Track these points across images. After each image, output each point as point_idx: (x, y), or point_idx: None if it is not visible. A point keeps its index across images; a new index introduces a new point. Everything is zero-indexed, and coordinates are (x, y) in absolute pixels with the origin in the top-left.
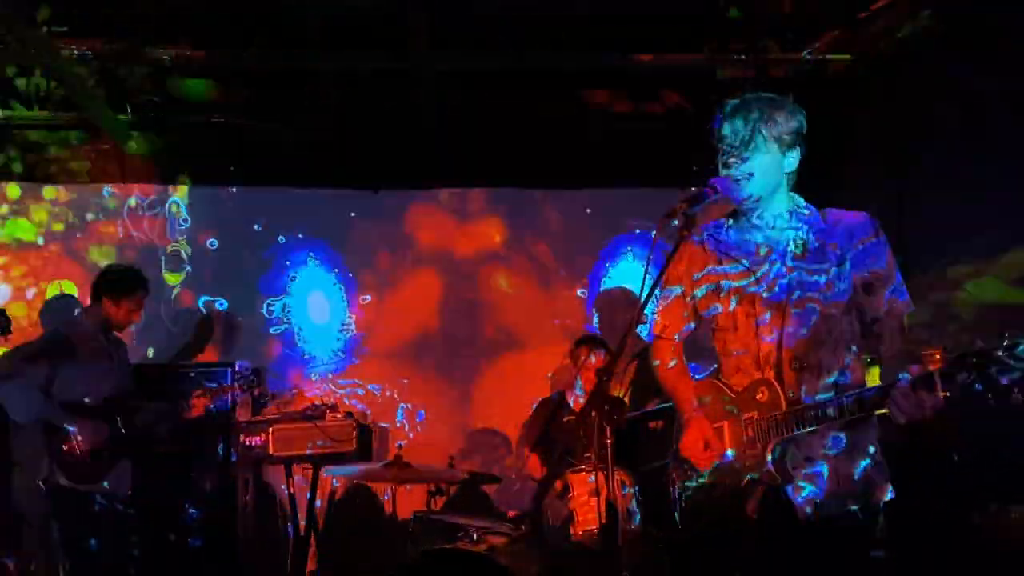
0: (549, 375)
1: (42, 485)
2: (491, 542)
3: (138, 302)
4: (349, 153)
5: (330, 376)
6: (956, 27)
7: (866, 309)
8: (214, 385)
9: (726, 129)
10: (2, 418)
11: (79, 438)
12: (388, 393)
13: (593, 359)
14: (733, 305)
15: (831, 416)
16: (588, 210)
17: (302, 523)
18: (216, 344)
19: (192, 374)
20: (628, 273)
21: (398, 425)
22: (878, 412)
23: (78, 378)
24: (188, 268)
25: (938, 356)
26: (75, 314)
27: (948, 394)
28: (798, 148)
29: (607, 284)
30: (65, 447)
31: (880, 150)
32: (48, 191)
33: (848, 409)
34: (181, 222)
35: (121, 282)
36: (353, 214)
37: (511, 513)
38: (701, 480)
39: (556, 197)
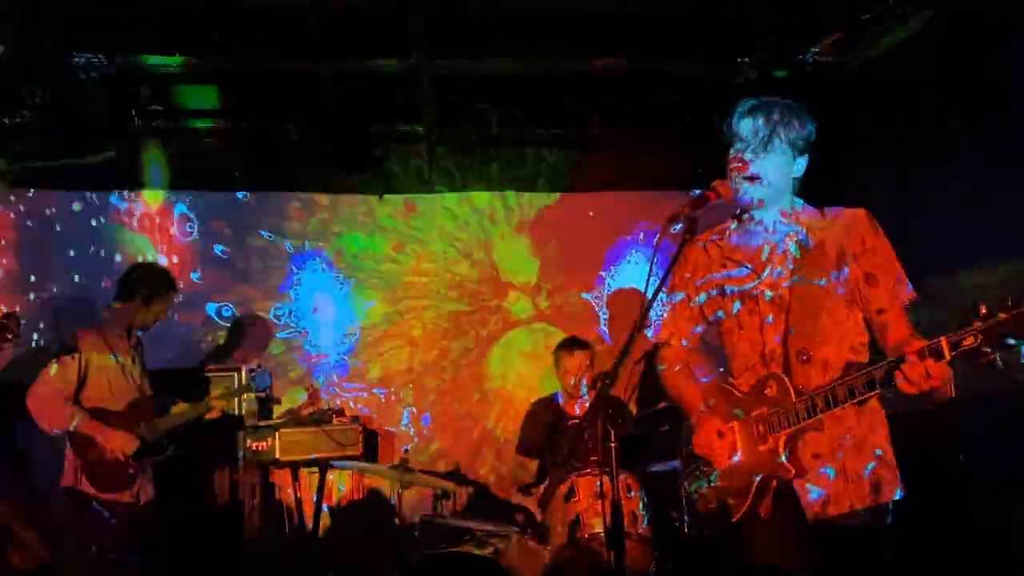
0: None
1: (65, 492)
2: (496, 546)
3: (169, 303)
4: (354, 158)
5: (336, 380)
6: (957, 28)
7: (870, 300)
8: (231, 387)
9: (744, 126)
10: (12, 420)
11: (108, 447)
12: (393, 397)
13: (575, 360)
14: (737, 307)
15: (842, 399)
16: (591, 213)
17: (308, 527)
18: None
19: (202, 377)
20: (633, 276)
21: (403, 429)
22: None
23: (103, 384)
24: (195, 275)
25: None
26: (99, 316)
27: (954, 357)
28: (807, 155)
29: (612, 287)
30: (92, 456)
31: (881, 152)
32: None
33: (858, 389)
34: (187, 228)
35: (153, 282)
36: (360, 219)
37: (520, 517)
38: (712, 481)
39: (561, 201)
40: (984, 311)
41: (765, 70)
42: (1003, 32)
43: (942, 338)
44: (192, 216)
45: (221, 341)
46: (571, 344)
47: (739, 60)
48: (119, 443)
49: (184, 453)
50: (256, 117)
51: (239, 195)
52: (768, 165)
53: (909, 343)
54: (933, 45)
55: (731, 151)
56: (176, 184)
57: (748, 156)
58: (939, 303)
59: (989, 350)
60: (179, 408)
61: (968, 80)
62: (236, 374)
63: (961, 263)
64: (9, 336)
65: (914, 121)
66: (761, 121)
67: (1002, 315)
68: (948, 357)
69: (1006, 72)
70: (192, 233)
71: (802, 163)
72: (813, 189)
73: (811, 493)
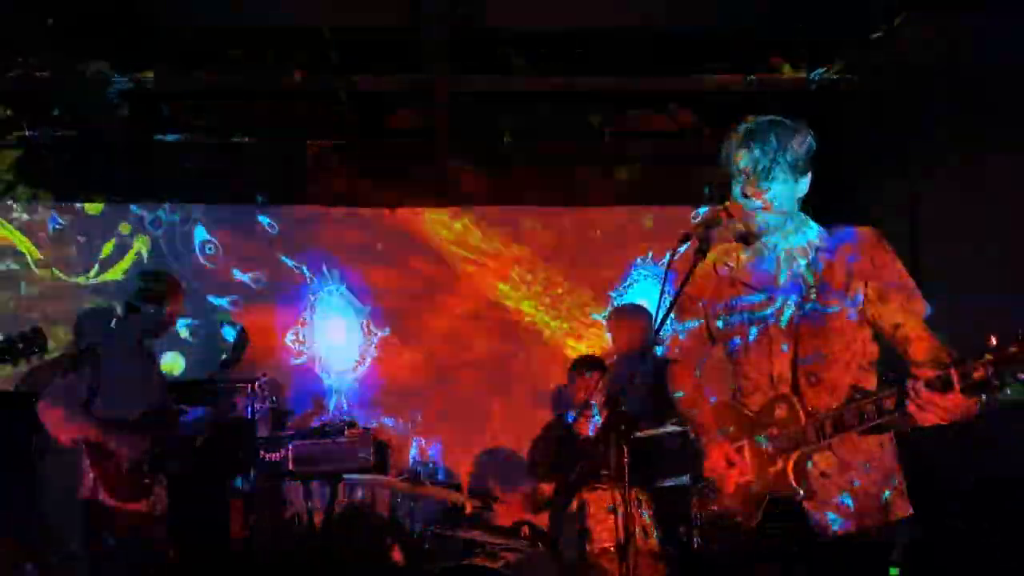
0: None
1: (81, 504)
2: (507, 559)
3: (176, 309)
4: (367, 172)
5: (346, 406)
6: (966, 44)
7: (884, 318)
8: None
9: (743, 158)
10: (27, 429)
11: (122, 455)
12: (402, 427)
13: (586, 379)
14: (749, 330)
15: (850, 424)
16: (599, 231)
17: (319, 538)
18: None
19: (217, 388)
20: (642, 294)
21: (412, 461)
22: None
23: (117, 393)
24: (213, 298)
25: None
26: (111, 325)
27: (963, 388)
28: (809, 172)
29: (619, 305)
30: (109, 466)
31: (891, 167)
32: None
33: (867, 415)
34: (208, 251)
35: (163, 287)
36: (377, 242)
37: (526, 530)
38: (721, 499)
39: (570, 218)
40: (995, 342)
41: (773, 87)
42: (1010, 45)
43: (951, 369)
44: (212, 239)
45: (233, 358)
46: (583, 363)
47: (748, 77)
48: (134, 452)
49: (197, 463)
50: (272, 133)
51: (261, 219)
52: (772, 194)
53: (924, 372)
54: (944, 61)
55: (733, 183)
56: (194, 199)
57: (751, 187)
58: (948, 324)
59: (999, 383)
60: (199, 414)
61: (979, 94)
62: (249, 386)
63: (973, 284)
64: (35, 350)
65: (926, 136)
66: (758, 152)
67: (1013, 348)
68: (957, 389)
69: (1015, 86)
70: (213, 256)
71: (805, 183)
72: (824, 206)
73: (820, 511)
